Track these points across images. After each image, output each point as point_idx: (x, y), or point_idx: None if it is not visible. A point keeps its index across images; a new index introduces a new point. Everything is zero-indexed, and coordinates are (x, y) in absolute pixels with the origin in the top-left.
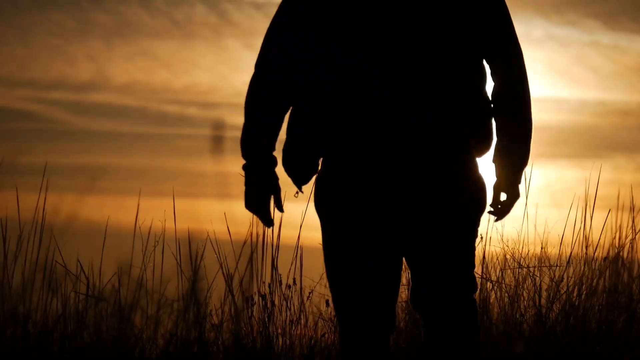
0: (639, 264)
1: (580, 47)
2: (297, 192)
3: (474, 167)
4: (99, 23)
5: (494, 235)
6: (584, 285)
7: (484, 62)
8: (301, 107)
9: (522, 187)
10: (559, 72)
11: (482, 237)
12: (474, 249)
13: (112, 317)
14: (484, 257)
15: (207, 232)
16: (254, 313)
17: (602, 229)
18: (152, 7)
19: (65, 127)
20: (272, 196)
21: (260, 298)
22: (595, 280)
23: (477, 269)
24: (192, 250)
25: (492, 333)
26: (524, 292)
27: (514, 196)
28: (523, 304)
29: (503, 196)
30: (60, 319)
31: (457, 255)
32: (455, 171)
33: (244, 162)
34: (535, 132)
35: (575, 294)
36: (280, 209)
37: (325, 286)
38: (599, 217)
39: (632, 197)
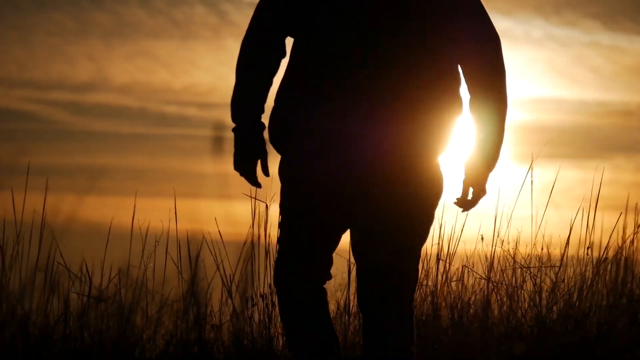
0: (638, 264)
1: (579, 47)
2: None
3: (434, 165)
4: (98, 23)
5: (494, 235)
6: (584, 286)
7: (460, 64)
8: (287, 78)
9: (526, 188)
10: (558, 73)
11: (482, 238)
12: (424, 237)
13: (112, 318)
14: (486, 257)
15: (208, 233)
16: (254, 313)
17: (602, 230)
18: (152, 7)
19: (65, 127)
20: (259, 159)
21: (260, 298)
22: (595, 281)
23: (478, 269)
24: (191, 251)
25: (492, 333)
26: (525, 293)
27: (480, 193)
28: (524, 304)
29: (470, 192)
30: (60, 320)
31: (405, 241)
32: (416, 169)
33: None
34: (535, 132)
35: (575, 295)
36: (266, 173)
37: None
38: (599, 218)
39: (629, 197)
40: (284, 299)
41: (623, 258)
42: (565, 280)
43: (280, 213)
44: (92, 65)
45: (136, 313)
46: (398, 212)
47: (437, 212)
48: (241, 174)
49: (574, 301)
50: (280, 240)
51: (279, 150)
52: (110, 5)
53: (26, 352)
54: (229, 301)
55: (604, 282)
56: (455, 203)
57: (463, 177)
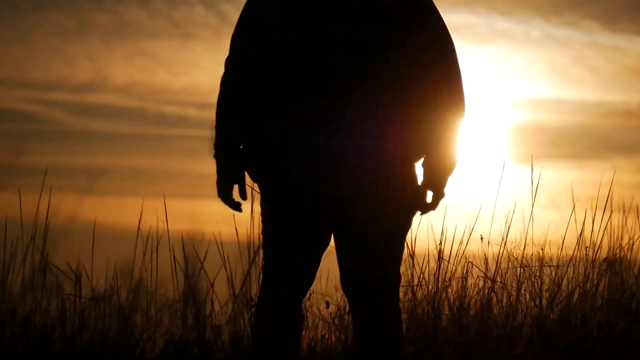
0: (639, 264)
1: (579, 47)
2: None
3: (410, 165)
4: (98, 24)
5: (495, 236)
6: (584, 286)
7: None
8: (261, 108)
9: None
10: (558, 73)
11: (482, 238)
12: (403, 241)
13: (112, 318)
14: (486, 257)
15: (209, 233)
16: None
17: (602, 230)
18: (152, 7)
19: (65, 127)
20: (237, 184)
21: None
22: (595, 281)
23: (478, 269)
24: (191, 251)
25: (492, 333)
26: (525, 293)
27: (439, 196)
28: (524, 304)
29: (430, 195)
30: (60, 320)
31: (386, 246)
32: (393, 168)
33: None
34: (535, 132)
35: (576, 295)
36: (244, 197)
37: (325, 287)
38: (599, 218)
39: (630, 197)
40: (262, 328)
41: (623, 258)
42: (566, 281)
43: (263, 232)
44: (92, 65)
45: (136, 313)
46: (377, 216)
47: (437, 212)
48: (225, 202)
49: (574, 301)
50: (265, 262)
51: (253, 174)
52: (109, 5)
53: (26, 352)
54: (229, 302)
55: (604, 282)
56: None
57: (422, 180)
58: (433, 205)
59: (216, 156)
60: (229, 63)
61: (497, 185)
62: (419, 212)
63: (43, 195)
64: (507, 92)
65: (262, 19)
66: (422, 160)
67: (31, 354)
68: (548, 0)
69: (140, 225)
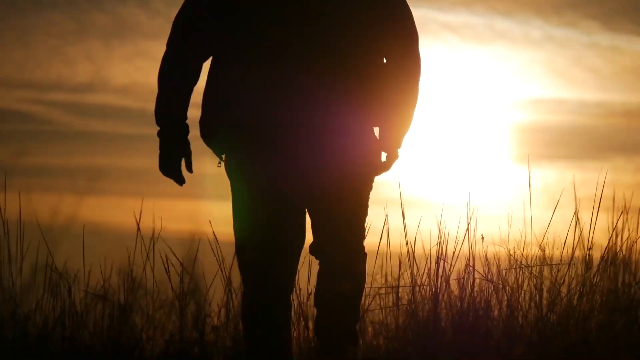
0: (638, 265)
1: (579, 48)
2: (219, 162)
3: (370, 135)
4: (97, 24)
5: (495, 236)
6: (584, 287)
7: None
8: (216, 80)
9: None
10: (557, 73)
11: (483, 238)
12: (367, 201)
13: (111, 318)
14: (486, 257)
15: (208, 233)
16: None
17: (602, 230)
18: (151, 8)
19: (64, 128)
20: (184, 158)
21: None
22: (595, 282)
23: (478, 270)
24: (191, 251)
25: (492, 334)
26: (525, 293)
27: (392, 157)
28: (524, 305)
29: (384, 156)
30: (59, 320)
31: (351, 209)
32: (354, 138)
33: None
34: (534, 133)
35: (576, 296)
36: (190, 170)
37: None
38: (598, 219)
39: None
40: (252, 322)
41: (623, 259)
42: (566, 281)
43: (236, 221)
44: (92, 66)
45: (136, 313)
46: (341, 181)
47: (438, 213)
48: (166, 175)
49: (574, 302)
50: (242, 256)
51: (216, 149)
52: (109, 6)
53: (26, 352)
54: (229, 302)
55: (604, 283)
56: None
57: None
58: (387, 166)
59: (161, 132)
60: (181, 26)
61: (497, 185)
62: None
63: (43, 195)
64: (506, 92)
65: None
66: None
67: (31, 354)
68: (548, 1)
69: (140, 225)
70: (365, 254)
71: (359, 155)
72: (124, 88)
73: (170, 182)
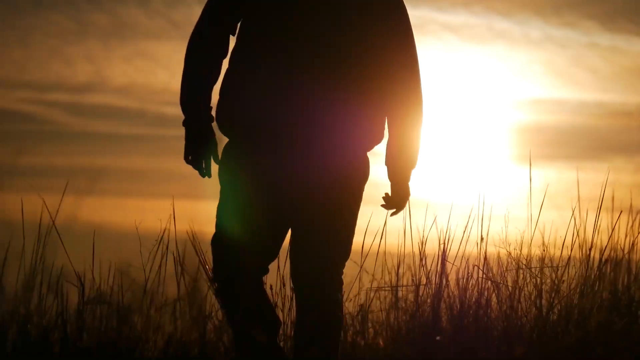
0: (638, 265)
1: (578, 48)
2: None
3: (363, 158)
4: (97, 24)
5: (495, 236)
6: (584, 287)
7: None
8: (232, 76)
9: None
10: (557, 74)
11: (482, 238)
12: (353, 223)
13: (112, 319)
14: (486, 258)
15: (208, 233)
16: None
17: (602, 231)
18: (150, 8)
19: (64, 128)
20: (211, 149)
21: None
22: (595, 282)
23: (480, 269)
24: (191, 251)
25: (492, 334)
26: (525, 294)
27: (404, 194)
28: (524, 305)
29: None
30: (59, 321)
31: (334, 224)
32: (346, 161)
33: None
34: (534, 133)
35: (576, 296)
36: (217, 161)
37: None
38: (598, 219)
39: (629, 197)
40: (226, 290)
41: (623, 259)
42: (566, 281)
43: (224, 204)
44: (91, 66)
45: (136, 314)
46: (330, 196)
47: (438, 213)
48: (193, 166)
49: (574, 302)
50: (221, 230)
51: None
52: (108, 6)
53: (26, 352)
54: None
55: (604, 283)
56: (382, 206)
57: (390, 181)
58: (399, 205)
59: (187, 122)
60: (197, 37)
61: (497, 185)
62: (388, 212)
63: (42, 195)
64: (506, 92)
65: None
66: (385, 162)
67: (31, 354)
68: (547, 1)
69: (140, 226)
70: (341, 281)
71: (351, 160)
72: (124, 88)
73: (170, 183)
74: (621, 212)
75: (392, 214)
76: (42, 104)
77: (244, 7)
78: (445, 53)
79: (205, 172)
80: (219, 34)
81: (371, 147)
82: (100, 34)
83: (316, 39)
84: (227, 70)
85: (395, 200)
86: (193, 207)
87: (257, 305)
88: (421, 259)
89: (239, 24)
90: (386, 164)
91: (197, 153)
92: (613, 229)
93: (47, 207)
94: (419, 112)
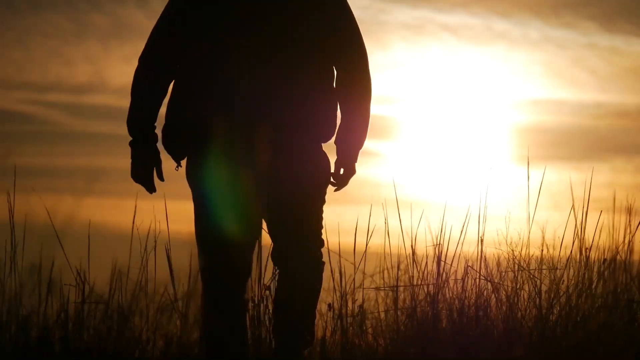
0: (638, 265)
1: (577, 49)
2: (176, 167)
3: (319, 150)
4: (96, 25)
5: (494, 237)
6: (583, 288)
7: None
8: (179, 93)
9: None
10: (556, 74)
11: (482, 239)
12: (321, 213)
13: (111, 319)
14: (485, 258)
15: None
16: (255, 315)
17: (601, 231)
18: (150, 8)
19: (63, 128)
20: (155, 167)
21: (262, 299)
22: (595, 282)
23: (479, 270)
24: (190, 252)
25: (492, 335)
26: (524, 294)
27: (350, 172)
28: (523, 305)
29: (342, 171)
30: (59, 321)
31: (306, 218)
32: (305, 153)
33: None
34: (533, 133)
35: (575, 296)
36: (161, 178)
37: (325, 288)
38: (598, 219)
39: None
40: (213, 288)
41: (622, 259)
42: (565, 282)
43: (197, 220)
44: (90, 66)
45: (136, 314)
46: (294, 188)
47: (438, 213)
48: (138, 182)
49: (573, 303)
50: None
51: (181, 158)
52: (107, 6)
53: (26, 352)
54: None
55: (604, 284)
56: (331, 183)
57: (336, 159)
58: (345, 181)
59: (133, 142)
60: (151, 38)
61: (496, 186)
62: (333, 189)
63: (42, 196)
64: (505, 93)
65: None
66: (333, 139)
67: (31, 355)
68: (546, 2)
69: (138, 226)
70: (322, 261)
71: (312, 157)
72: (123, 89)
73: (169, 182)
74: (620, 213)
75: (335, 190)
76: (41, 104)
77: (192, 22)
78: (444, 53)
79: (152, 187)
80: (168, 54)
81: (327, 139)
82: (100, 35)
83: (265, 39)
84: (179, 80)
85: (341, 178)
86: (192, 207)
87: (236, 321)
88: (422, 259)
89: (187, 44)
90: (335, 143)
91: (143, 170)
92: (612, 230)
93: (46, 207)
94: (367, 96)
